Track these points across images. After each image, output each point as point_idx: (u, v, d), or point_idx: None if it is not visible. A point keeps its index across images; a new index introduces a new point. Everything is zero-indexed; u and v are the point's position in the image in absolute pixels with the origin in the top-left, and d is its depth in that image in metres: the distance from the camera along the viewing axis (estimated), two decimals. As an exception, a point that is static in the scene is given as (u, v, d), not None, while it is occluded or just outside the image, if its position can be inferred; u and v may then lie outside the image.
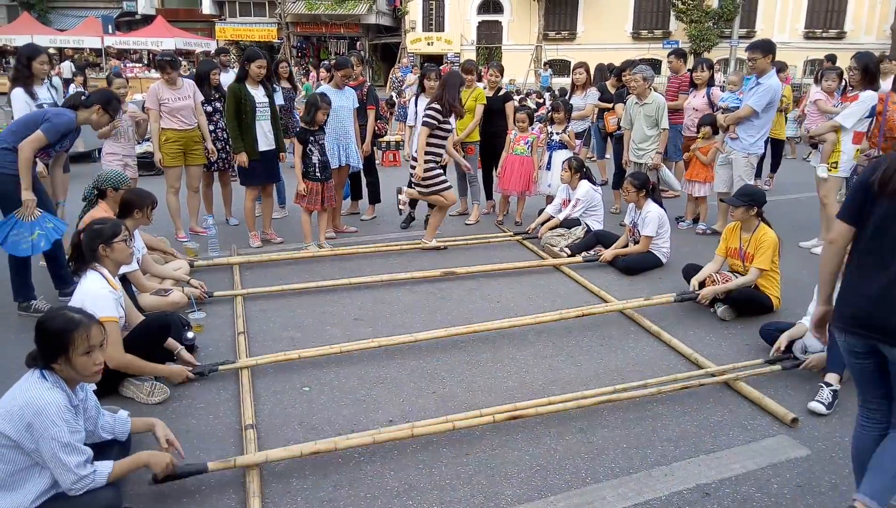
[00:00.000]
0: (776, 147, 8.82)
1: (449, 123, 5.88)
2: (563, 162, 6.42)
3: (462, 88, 5.98)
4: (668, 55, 7.95)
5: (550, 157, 6.91)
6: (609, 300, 4.72)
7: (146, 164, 7.59)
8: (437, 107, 5.74)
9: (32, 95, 4.96)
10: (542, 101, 14.94)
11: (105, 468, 2.33)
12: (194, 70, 7.46)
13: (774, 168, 8.99)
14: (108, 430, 2.63)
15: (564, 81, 17.95)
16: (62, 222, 4.53)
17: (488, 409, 3.15)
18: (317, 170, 5.68)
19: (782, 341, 3.76)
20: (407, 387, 3.56)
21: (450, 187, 5.97)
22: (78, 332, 2.27)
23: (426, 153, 5.82)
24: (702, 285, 4.67)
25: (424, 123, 5.75)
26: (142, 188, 4.32)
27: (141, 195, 4.16)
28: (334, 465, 2.86)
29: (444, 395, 3.47)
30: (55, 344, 2.26)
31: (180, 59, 7.94)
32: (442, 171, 6.07)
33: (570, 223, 6.21)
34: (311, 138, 5.64)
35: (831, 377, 3.38)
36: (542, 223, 6.38)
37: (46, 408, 2.18)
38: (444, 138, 5.94)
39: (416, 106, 6.69)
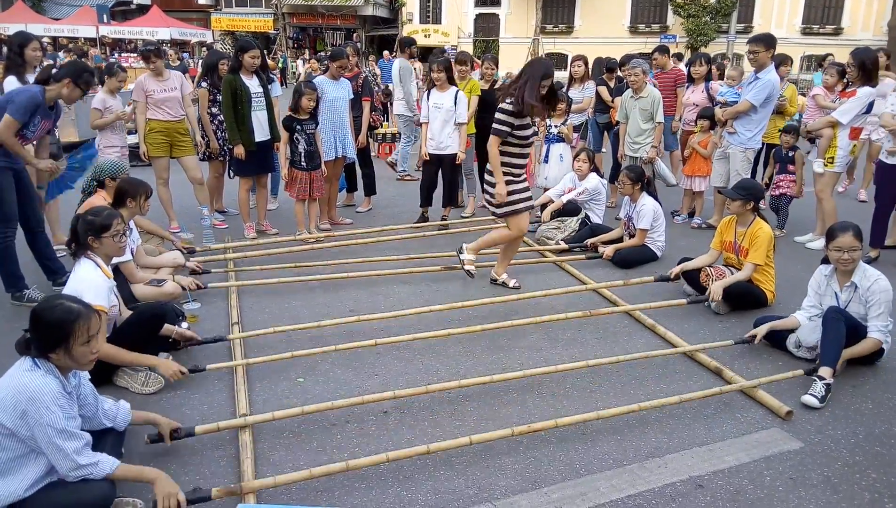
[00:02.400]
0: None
1: (528, 126, 4.60)
2: (581, 153, 6.34)
3: (549, 80, 4.51)
4: (653, 52, 7.78)
5: (548, 150, 6.89)
6: (616, 301, 4.63)
7: (135, 154, 7.53)
8: (509, 108, 4.45)
9: (25, 84, 4.91)
10: None
11: (109, 465, 2.31)
12: (200, 61, 7.35)
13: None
14: (110, 417, 2.62)
15: (561, 75, 17.89)
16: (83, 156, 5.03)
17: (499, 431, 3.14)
18: (302, 159, 5.65)
19: (762, 329, 3.83)
20: (402, 379, 3.56)
21: (530, 208, 4.83)
22: (79, 323, 2.27)
23: (502, 165, 4.58)
24: (690, 278, 4.70)
25: (494, 132, 4.54)
26: (135, 177, 4.27)
27: (134, 184, 4.11)
28: (328, 455, 2.86)
29: (442, 392, 3.46)
30: (56, 335, 2.25)
31: (165, 49, 7.80)
32: (525, 184, 4.77)
33: (568, 212, 6.21)
34: (298, 127, 5.60)
35: (825, 371, 3.39)
36: (542, 206, 6.35)
37: (40, 395, 2.17)
38: (524, 146, 4.64)
39: (427, 101, 6.34)
